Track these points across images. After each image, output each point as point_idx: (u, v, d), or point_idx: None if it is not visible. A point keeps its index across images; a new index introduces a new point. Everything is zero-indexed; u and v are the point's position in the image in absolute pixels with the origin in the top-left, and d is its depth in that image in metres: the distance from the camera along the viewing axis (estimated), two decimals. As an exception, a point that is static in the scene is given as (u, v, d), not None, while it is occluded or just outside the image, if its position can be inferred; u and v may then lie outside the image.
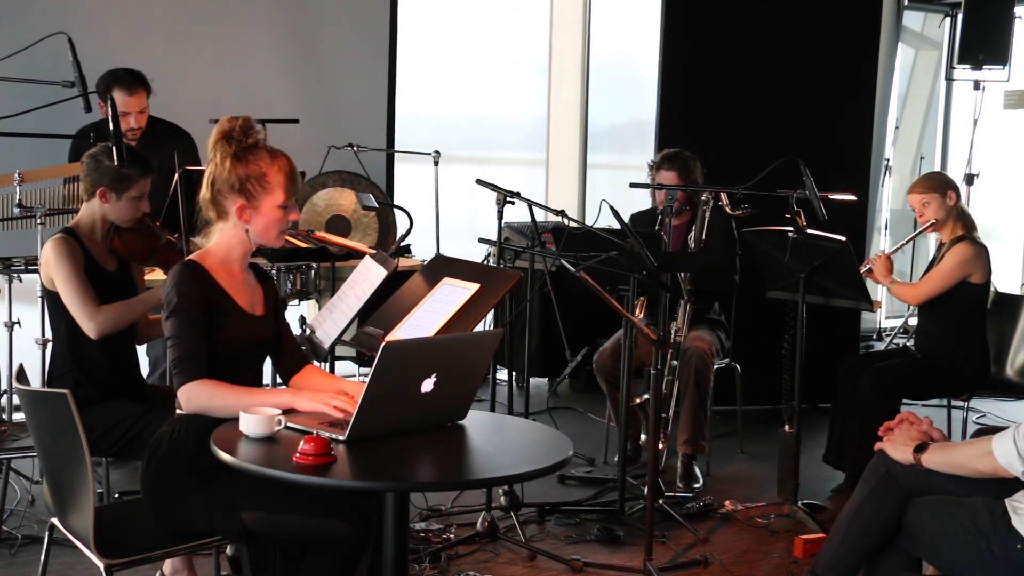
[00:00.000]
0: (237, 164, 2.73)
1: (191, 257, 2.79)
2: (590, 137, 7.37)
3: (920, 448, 2.90)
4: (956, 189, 4.63)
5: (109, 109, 3.26)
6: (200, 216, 2.85)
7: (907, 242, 4.91)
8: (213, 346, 2.69)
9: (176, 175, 3.87)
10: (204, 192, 2.79)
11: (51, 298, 3.47)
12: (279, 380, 4.20)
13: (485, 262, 5.48)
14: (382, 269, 3.32)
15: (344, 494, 2.60)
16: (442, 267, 3.43)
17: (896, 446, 2.95)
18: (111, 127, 3.25)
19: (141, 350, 4.27)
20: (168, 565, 3.30)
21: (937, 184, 4.62)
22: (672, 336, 4.53)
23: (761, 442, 5.31)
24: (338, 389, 2.78)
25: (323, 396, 2.64)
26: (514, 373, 6.18)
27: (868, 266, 4.69)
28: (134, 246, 3.58)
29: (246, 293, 2.84)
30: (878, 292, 7.77)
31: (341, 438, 2.44)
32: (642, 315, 4.41)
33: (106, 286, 3.46)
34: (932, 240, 6.04)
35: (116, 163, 3.28)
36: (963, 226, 4.60)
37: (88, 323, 3.38)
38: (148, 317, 3.64)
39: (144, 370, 4.62)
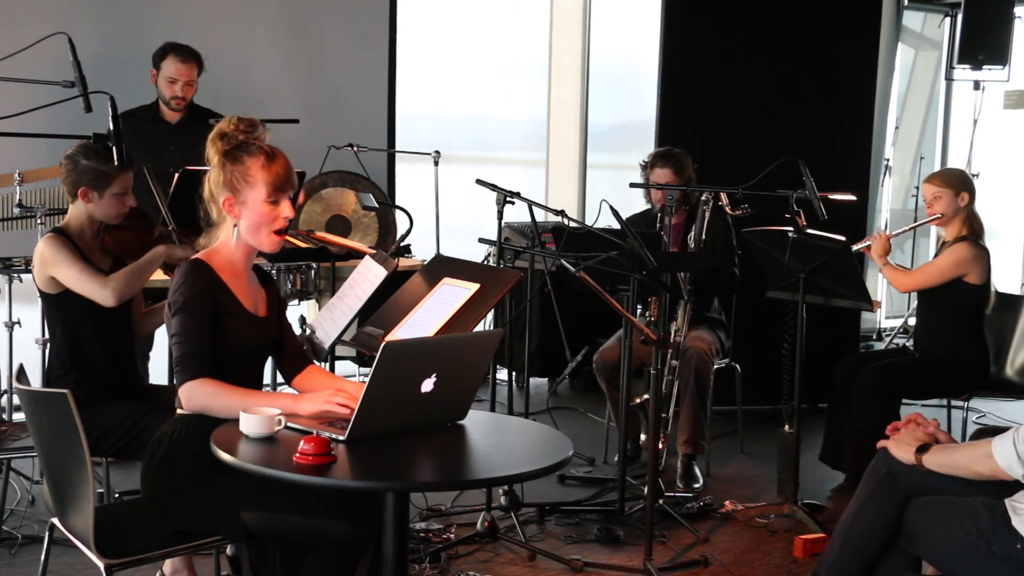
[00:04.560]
0: (226, 161, 2.76)
1: (198, 255, 2.80)
2: (590, 137, 7.37)
3: (922, 449, 2.90)
4: (972, 191, 4.60)
5: (110, 110, 3.25)
6: (205, 215, 2.86)
7: (909, 229, 4.89)
8: (216, 346, 2.69)
9: (176, 173, 3.87)
10: (204, 191, 2.82)
11: (47, 300, 3.46)
12: (279, 381, 4.18)
13: (485, 262, 5.48)
14: (382, 269, 3.32)
15: (344, 494, 2.60)
16: (442, 267, 3.43)
17: (899, 445, 2.95)
18: (111, 127, 3.25)
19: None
20: (168, 565, 3.30)
21: (954, 181, 4.59)
22: (672, 336, 4.53)
23: (761, 442, 5.31)
24: (338, 388, 2.78)
25: (324, 395, 2.65)
26: (514, 373, 6.17)
27: (867, 242, 4.67)
28: (126, 243, 3.57)
29: (250, 294, 2.84)
30: (878, 292, 7.78)
31: (341, 438, 2.44)
32: (654, 316, 4.40)
33: None
34: (934, 240, 6.03)
35: (116, 161, 3.28)
36: (970, 228, 4.59)
37: (102, 292, 3.36)
38: (142, 310, 3.64)
39: (157, 361, 4.62)
